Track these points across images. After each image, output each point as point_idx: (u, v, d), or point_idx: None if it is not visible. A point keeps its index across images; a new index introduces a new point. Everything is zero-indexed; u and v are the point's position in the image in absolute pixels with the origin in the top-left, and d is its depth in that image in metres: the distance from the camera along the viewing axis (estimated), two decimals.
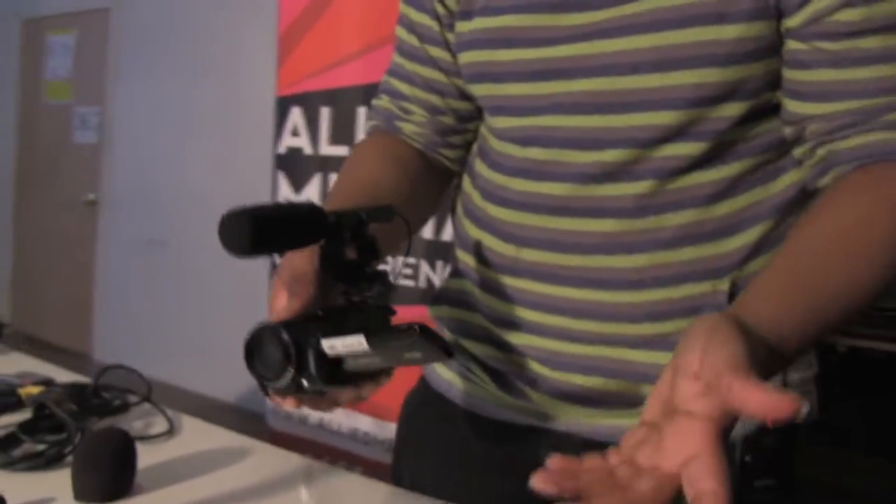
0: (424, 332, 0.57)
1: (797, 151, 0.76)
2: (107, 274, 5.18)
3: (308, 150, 2.80)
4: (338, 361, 0.64)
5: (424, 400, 0.97)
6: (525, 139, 0.82)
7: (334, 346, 0.63)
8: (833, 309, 0.65)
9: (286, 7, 2.65)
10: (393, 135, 0.94)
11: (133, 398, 1.15)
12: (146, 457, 0.94)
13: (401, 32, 0.94)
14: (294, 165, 2.85)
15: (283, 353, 0.64)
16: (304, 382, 0.64)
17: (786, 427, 0.77)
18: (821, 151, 0.73)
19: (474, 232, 0.90)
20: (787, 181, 0.78)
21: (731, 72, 0.72)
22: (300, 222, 0.64)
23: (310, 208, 0.65)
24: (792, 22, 0.71)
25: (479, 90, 0.86)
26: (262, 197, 3.09)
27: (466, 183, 0.94)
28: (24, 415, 1.00)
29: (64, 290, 5.43)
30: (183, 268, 4.74)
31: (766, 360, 0.57)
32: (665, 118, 0.74)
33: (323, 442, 2.77)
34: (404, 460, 0.99)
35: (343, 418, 2.71)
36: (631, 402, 0.80)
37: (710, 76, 0.72)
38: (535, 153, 0.81)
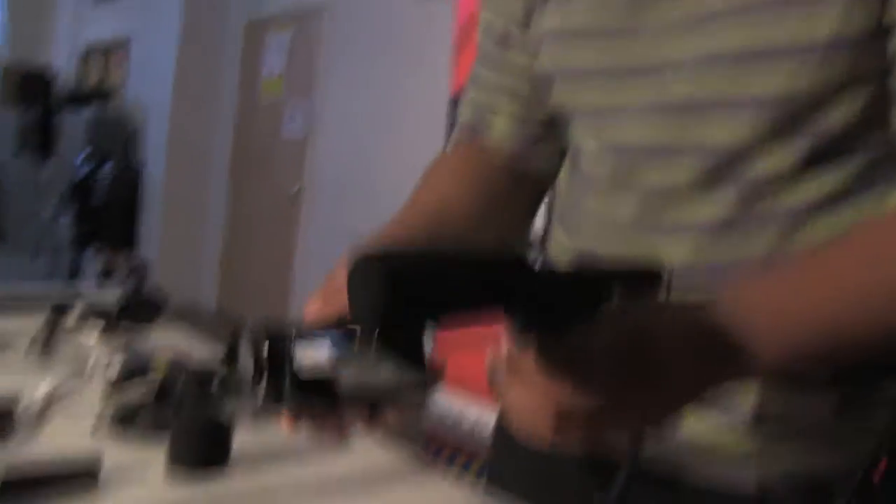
0: (388, 339, 0.40)
1: None
2: (307, 261, 5.45)
3: None
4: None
5: None
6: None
7: (304, 356, 0.48)
8: (848, 335, 0.55)
9: (463, 3, 2.66)
10: (478, 144, 0.86)
11: None
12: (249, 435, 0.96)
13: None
14: None
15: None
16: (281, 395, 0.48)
17: None
18: None
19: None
20: None
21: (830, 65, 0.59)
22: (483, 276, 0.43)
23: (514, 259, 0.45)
24: None
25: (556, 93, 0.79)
26: None
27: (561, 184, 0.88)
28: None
29: (266, 274, 5.77)
30: None
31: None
32: (746, 125, 0.63)
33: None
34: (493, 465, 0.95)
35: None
36: None
37: (802, 72, 0.60)
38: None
